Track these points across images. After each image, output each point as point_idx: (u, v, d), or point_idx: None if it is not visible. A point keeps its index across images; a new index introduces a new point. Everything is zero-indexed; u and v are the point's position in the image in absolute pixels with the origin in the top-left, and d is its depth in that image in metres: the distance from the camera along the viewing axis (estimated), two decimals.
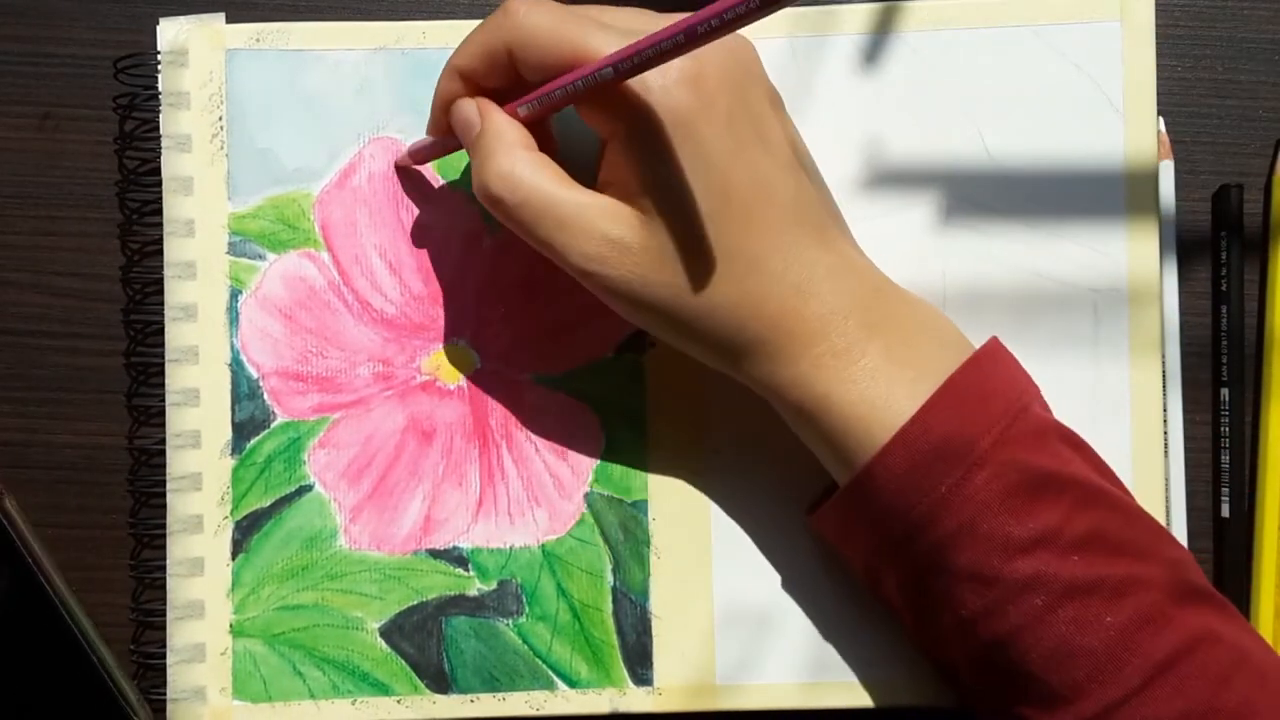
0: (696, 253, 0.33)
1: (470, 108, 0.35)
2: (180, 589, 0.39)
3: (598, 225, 0.33)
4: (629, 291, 0.33)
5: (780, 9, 0.26)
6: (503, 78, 0.34)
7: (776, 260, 0.33)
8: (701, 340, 0.34)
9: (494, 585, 0.39)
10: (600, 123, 0.33)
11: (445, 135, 0.37)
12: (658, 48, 0.29)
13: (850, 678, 0.39)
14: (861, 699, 0.39)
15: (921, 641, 0.37)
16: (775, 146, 0.33)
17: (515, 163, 0.33)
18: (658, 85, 0.32)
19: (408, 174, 0.40)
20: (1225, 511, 0.40)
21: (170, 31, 0.40)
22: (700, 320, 0.33)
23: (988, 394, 0.33)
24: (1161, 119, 0.40)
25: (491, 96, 0.35)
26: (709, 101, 0.32)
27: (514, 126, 0.34)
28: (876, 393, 0.33)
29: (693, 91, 0.32)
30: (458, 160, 0.40)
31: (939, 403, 0.33)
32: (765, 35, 0.40)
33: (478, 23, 0.40)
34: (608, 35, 0.32)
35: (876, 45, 0.40)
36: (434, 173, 0.40)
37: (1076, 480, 0.33)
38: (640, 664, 0.39)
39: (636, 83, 0.32)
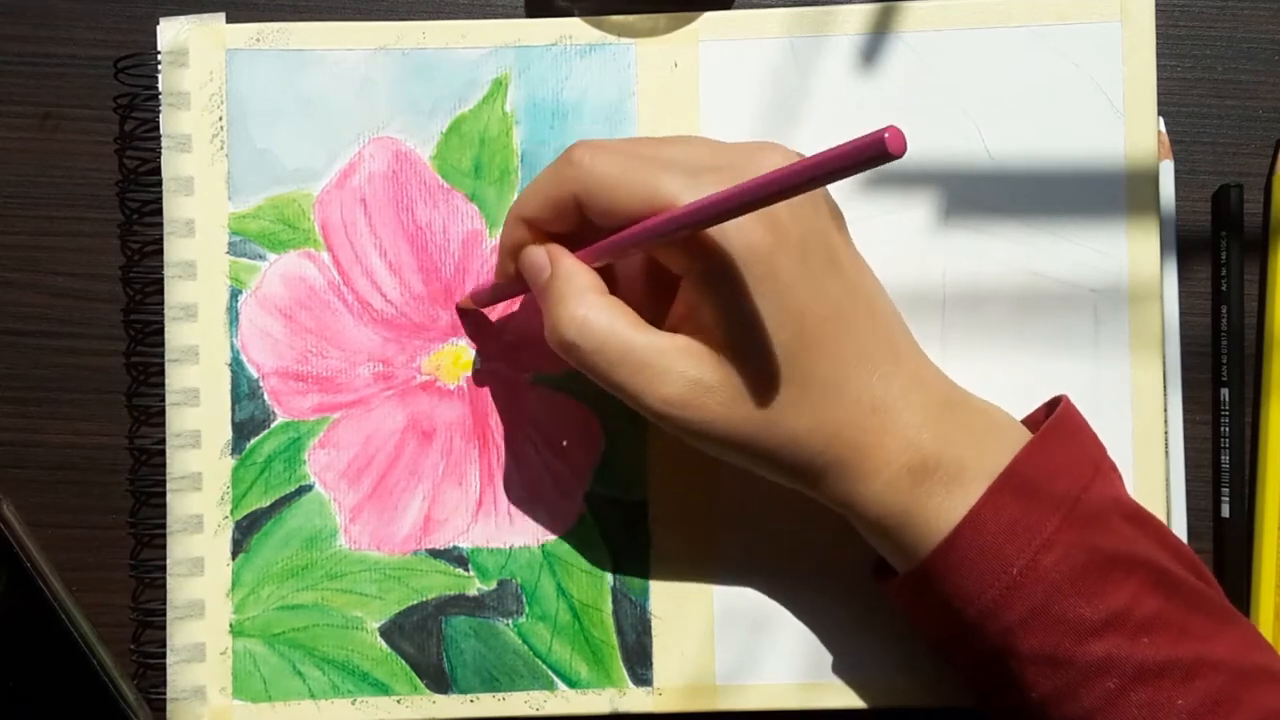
0: (776, 386, 0.32)
1: (540, 254, 0.34)
2: (180, 589, 0.39)
3: (676, 367, 0.32)
4: (710, 431, 0.33)
5: (877, 165, 0.25)
6: (570, 224, 0.34)
7: (854, 385, 0.33)
8: (780, 467, 0.34)
9: (494, 585, 0.39)
10: (674, 261, 0.32)
11: (512, 281, 0.36)
12: (741, 202, 0.28)
13: (850, 678, 0.39)
14: (861, 699, 0.39)
15: (990, 713, 0.36)
16: (846, 270, 0.33)
17: (589, 308, 0.33)
18: (733, 224, 0.31)
19: (467, 315, 0.40)
20: (1225, 511, 0.40)
21: (170, 31, 0.40)
22: (781, 450, 0.33)
23: (1052, 473, 0.33)
24: (1161, 119, 0.40)
25: (558, 239, 0.35)
26: (783, 235, 0.31)
27: (585, 271, 0.33)
28: (951, 502, 0.33)
29: (768, 227, 0.31)
30: (458, 161, 0.40)
31: (1005, 487, 0.32)
32: (765, 35, 0.40)
33: (476, 22, 0.40)
34: (676, 178, 0.31)
35: (876, 45, 0.40)
36: (434, 173, 0.40)
37: (1142, 560, 0.32)
38: (640, 664, 0.39)
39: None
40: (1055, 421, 0.34)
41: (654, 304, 0.34)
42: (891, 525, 0.34)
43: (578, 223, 0.34)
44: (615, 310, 0.33)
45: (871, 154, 0.25)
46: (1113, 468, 0.35)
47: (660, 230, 0.31)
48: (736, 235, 0.31)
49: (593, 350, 0.32)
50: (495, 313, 0.40)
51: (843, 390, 0.33)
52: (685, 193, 0.31)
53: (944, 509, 0.33)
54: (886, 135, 0.24)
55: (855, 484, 0.33)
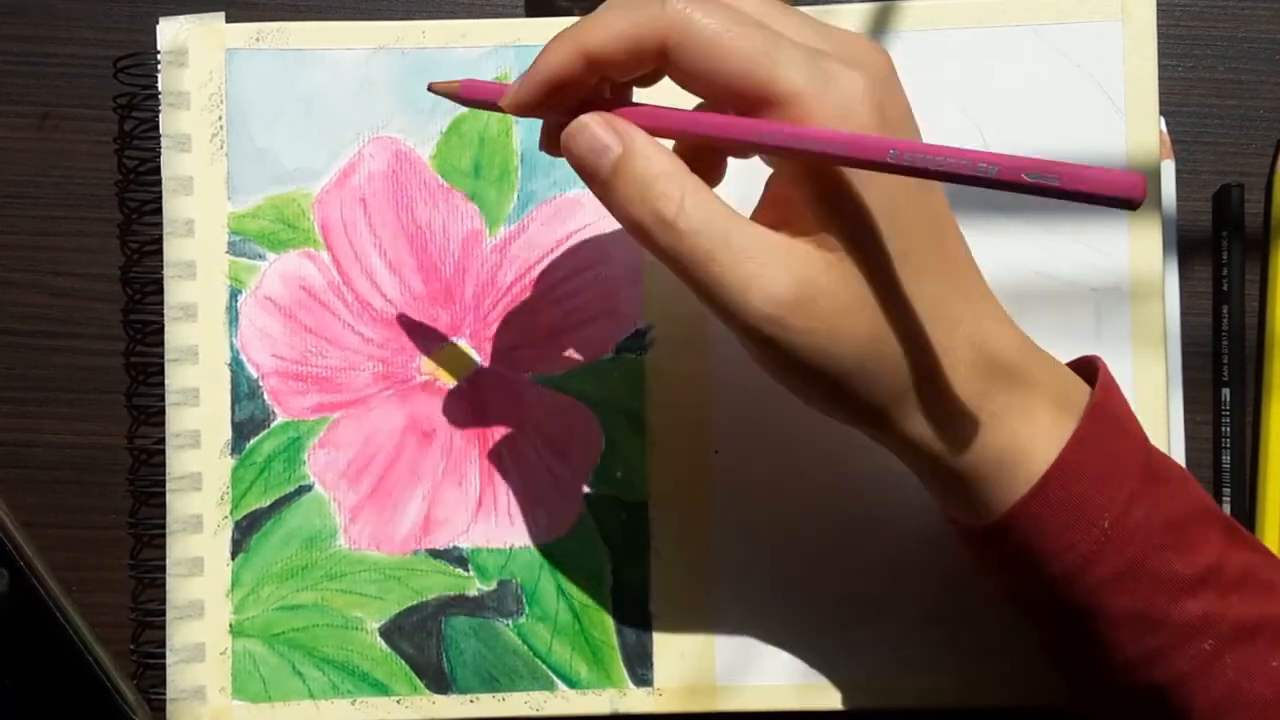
0: (887, 300, 0.29)
1: (605, 130, 0.29)
2: (180, 589, 0.39)
3: (785, 261, 0.28)
4: (814, 343, 0.28)
5: (1121, 209, 0.23)
6: (640, 71, 0.29)
7: (955, 305, 0.30)
8: (857, 398, 0.30)
9: (494, 585, 0.39)
10: (785, 166, 0.30)
11: (539, 109, 0.30)
12: (956, 167, 0.26)
13: (850, 679, 0.39)
14: (861, 700, 0.39)
15: (1063, 671, 0.34)
16: (935, 187, 0.30)
17: (684, 190, 0.28)
18: (851, 115, 0.27)
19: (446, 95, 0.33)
20: (1226, 511, 0.40)
21: (170, 31, 0.40)
22: (865, 375, 0.29)
23: (1124, 427, 0.31)
24: (1162, 119, 0.40)
25: (596, 95, 0.30)
26: (891, 131, 0.28)
27: (670, 155, 0.29)
28: (1032, 439, 0.30)
29: (878, 118, 0.28)
30: (458, 160, 0.40)
31: (1090, 435, 0.30)
32: None
33: (476, 22, 0.40)
34: (798, 64, 0.27)
35: None
36: (434, 172, 0.40)
37: (1219, 517, 0.31)
38: (640, 664, 0.39)
39: (817, 107, 0.27)
40: (1110, 378, 0.32)
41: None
42: (975, 474, 0.31)
43: (650, 74, 0.29)
44: (713, 197, 0.28)
45: (1108, 199, 0.23)
46: None
47: (791, 148, 0.27)
48: (845, 126, 0.27)
49: (690, 231, 0.28)
50: (495, 313, 0.40)
51: (945, 312, 0.29)
52: (810, 86, 0.27)
53: (1034, 455, 0.30)
54: (1132, 189, 0.23)
55: (933, 421, 0.30)
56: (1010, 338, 0.31)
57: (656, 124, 0.29)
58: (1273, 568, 0.31)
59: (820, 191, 0.28)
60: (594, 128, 0.29)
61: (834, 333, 0.28)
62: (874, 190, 0.28)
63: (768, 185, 0.32)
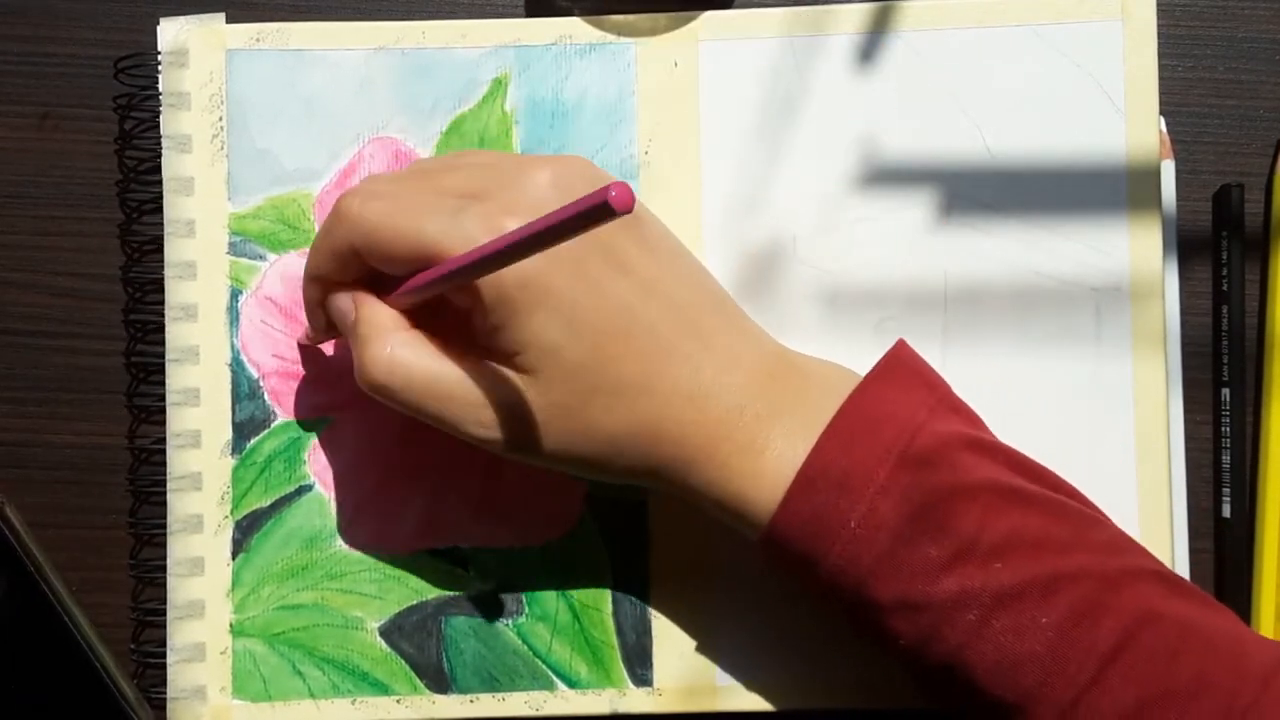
0: (585, 399, 0.32)
1: (344, 300, 0.35)
2: (180, 588, 0.39)
3: (486, 394, 0.33)
4: (531, 449, 0.33)
5: (614, 219, 0.25)
6: (358, 273, 0.34)
7: (663, 381, 0.33)
8: (616, 473, 0.34)
9: (494, 585, 0.39)
10: (459, 299, 0.33)
11: (326, 330, 0.37)
12: (492, 259, 0.29)
13: (850, 679, 0.39)
14: (861, 700, 0.39)
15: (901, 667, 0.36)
16: (634, 269, 0.33)
17: (392, 346, 0.33)
18: (470, 240, 0.31)
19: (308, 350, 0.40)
20: (1226, 511, 0.40)
21: (170, 31, 0.40)
22: (609, 458, 0.33)
23: (878, 420, 0.32)
24: (1162, 119, 0.40)
25: (377, 283, 0.35)
26: (553, 255, 0.31)
27: (385, 311, 0.34)
28: (784, 471, 0.33)
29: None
30: None
31: (827, 445, 0.32)
32: (765, 35, 0.40)
33: (476, 22, 0.40)
34: (437, 221, 0.32)
35: (876, 44, 0.40)
36: None
37: (986, 485, 0.32)
38: (640, 664, 0.39)
39: (451, 245, 0.31)
40: (877, 369, 0.34)
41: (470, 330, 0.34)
42: (733, 507, 0.33)
43: (366, 270, 0.34)
44: (419, 344, 0.33)
45: (597, 213, 0.25)
46: (955, 407, 0.34)
47: (434, 286, 0.32)
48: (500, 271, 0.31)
49: (401, 387, 0.33)
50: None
51: (652, 389, 0.33)
52: (446, 237, 0.31)
53: (778, 479, 0.33)
54: (612, 194, 0.24)
55: (688, 476, 0.33)
56: (739, 380, 0.33)
57: (391, 296, 0.34)
58: (1051, 523, 0.32)
59: (496, 323, 0.32)
60: (338, 299, 0.35)
61: (547, 436, 0.33)
62: (547, 306, 0.32)
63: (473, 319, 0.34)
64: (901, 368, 0.34)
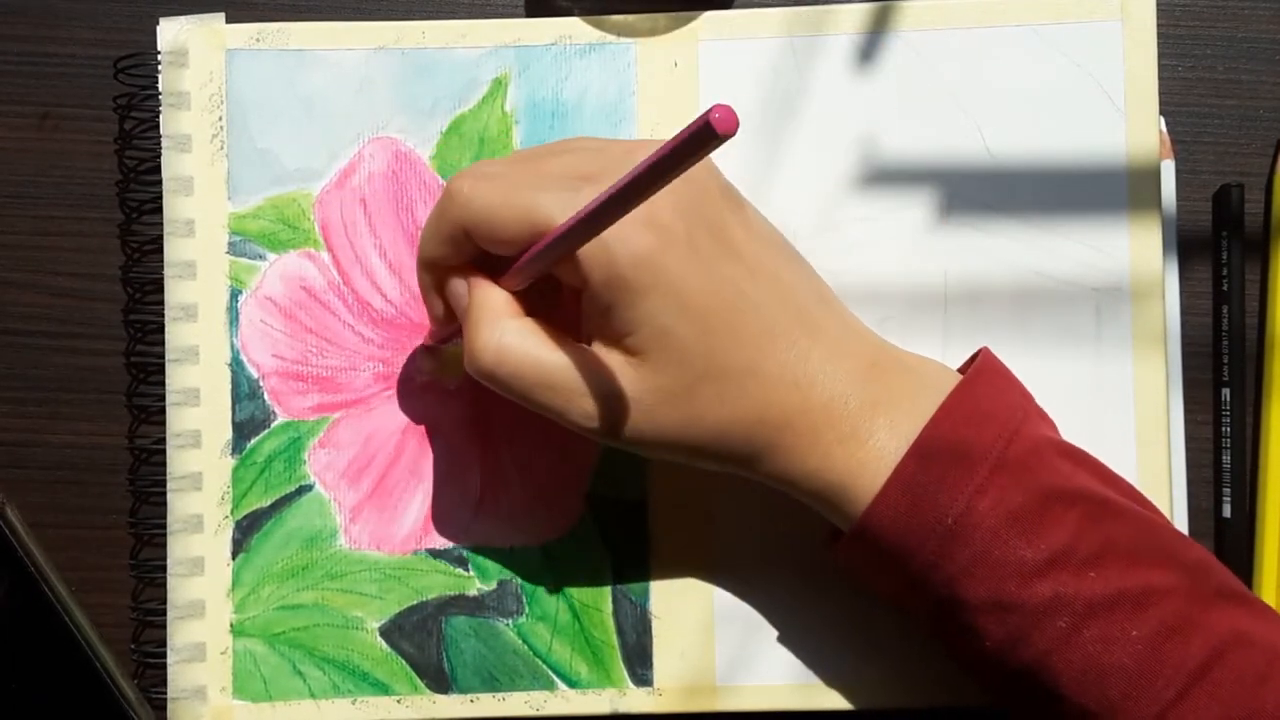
0: (692, 383, 0.32)
1: (459, 284, 0.35)
2: (180, 588, 0.39)
3: (591, 382, 0.33)
4: (638, 437, 0.33)
5: (715, 148, 0.25)
6: (470, 255, 0.34)
7: (770, 364, 0.33)
8: (716, 458, 0.34)
9: (494, 585, 0.39)
10: (572, 278, 0.33)
11: (444, 320, 0.36)
12: (596, 216, 0.29)
13: (850, 679, 0.39)
14: (860, 700, 0.39)
15: (960, 666, 0.36)
16: (742, 252, 0.33)
17: (502, 333, 0.33)
18: (616, 237, 0.31)
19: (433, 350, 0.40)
20: (1226, 512, 0.40)
21: (170, 31, 0.40)
22: (710, 443, 0.33)
23: (980, 419, 0.33)
24: (1162, 118, 0.40)
25: (490, 265, 0.35)
26: (666, 233, 0.31)
27: (497, 295, 0.34)
28: (884, 463, 0.33)
29: (649, 228, 0.31)
30: (458, 160, 0.40)
31: (931, 438, 0.32)
32: (765, 35, 0.40)
33: (476, 22, 0.40)
34: (553, 197, 0.32)
35: (876, 44, 0.40)
36: (434, 173, 0.40)
37: (1082, 494, 0.32)
38: (640, 664, 0.39)
39: (593, 242, 0.31)
40: (975, 371, 0.34)
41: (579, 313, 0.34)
42: (831, 496, 0.33)
43: (478, 253, 0.34)
44: (528, 331, 0.33)
45: (702, 137, 0.24)
46: (1042, 414, 0.35)
47: (546, 255, 0.31)
48: (619, 245, 0.31)
49: (509, 375, 0.33)
50: None
51: (760, 373, 0.33)
52: (561, 212, 0.31)
53: (878, 471, 0.33)
54: (715, 115, 0.24)
55: (789, 463, 0.33)
56: (845, 368, 0.33)
57: (504, 277, 0.34)
58: (1144, 537, 0.32)
59: (608, 304, 0.32)
60: (453, 284, 0.35)
61: (651, 423, 0.33)
62: (660, 287, 0.31)
63: (583, 301, 0.34)
64: (996, 371, 0.35)
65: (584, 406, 0.33)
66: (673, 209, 0.32)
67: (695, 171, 0.30)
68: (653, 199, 0.28)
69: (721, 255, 0.33)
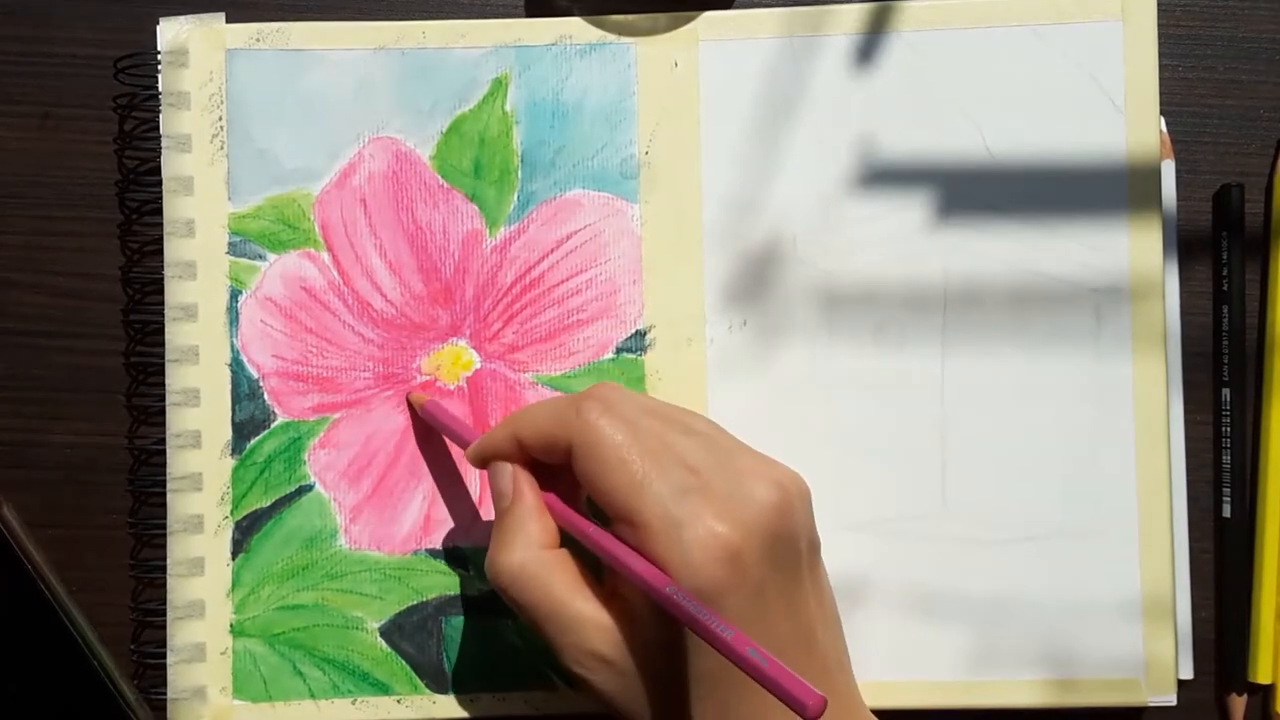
0: (689, 687, 0.32)
1: (507, 479, 0.35)
2: (180, 589, 0.39)
3: (591, 641, 0.33)
4: (609, 700, 0.33)
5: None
6: (558, 461, 0.34)
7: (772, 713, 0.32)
8: None
9: None
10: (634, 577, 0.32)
11: (479, 467, 0.36)
12: (631, 574, 0.30)
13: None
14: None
15: None
16: (800, 613, 0.33)
17: (528, 561, 0.33)
18: (694, 561, 0.31)
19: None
20: (1226, 511, 0.40)
21: (170, 31, 0.40)
22: None
23: None
24: (1163, 119, 0.40)
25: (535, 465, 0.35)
26: (742, 575, 0.31)
27: (539, 517, 0.34)
28: None
29: (728, 568, 0.31)
30: (458, 161, 0.40)
31: None
32: (764, 35, 0.40)
33: (476, 22, 0.40)
34: (657, 504, 0.31)
35: (876, 44, 0.40)
36: (434, 173, 0.40)
37: None
38: None
39: (672, 553, 0.31)
40: None
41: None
42: None
43: (566, 463, 0.34)
44: (554, 567, 0.33)
45: (786, 697, 0.26)
46: None
47: (615, 566, 0.32)
48: (689, 574, 0.30)
49: (523, 603, 0.33)
50: (495, 313, 0.40)
51: (756, 715, 0.32)
52: (658, 524, 0.31)
53: None
54: (810, 703, 0.26)
55: None
56: None
57: (550, 501, 0.35)
58: None
59: (651, 604, 0.32)
60: (503, 476, 0.35)
61: (625, 694, 0.33)
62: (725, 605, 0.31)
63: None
64: None
65: (576, 655, 0.33)
66: (760, 555, 0.31)
67: (792, 524, 0.31)
68: (741, 547, 0.30)
69: (780, 612, 0.32)
